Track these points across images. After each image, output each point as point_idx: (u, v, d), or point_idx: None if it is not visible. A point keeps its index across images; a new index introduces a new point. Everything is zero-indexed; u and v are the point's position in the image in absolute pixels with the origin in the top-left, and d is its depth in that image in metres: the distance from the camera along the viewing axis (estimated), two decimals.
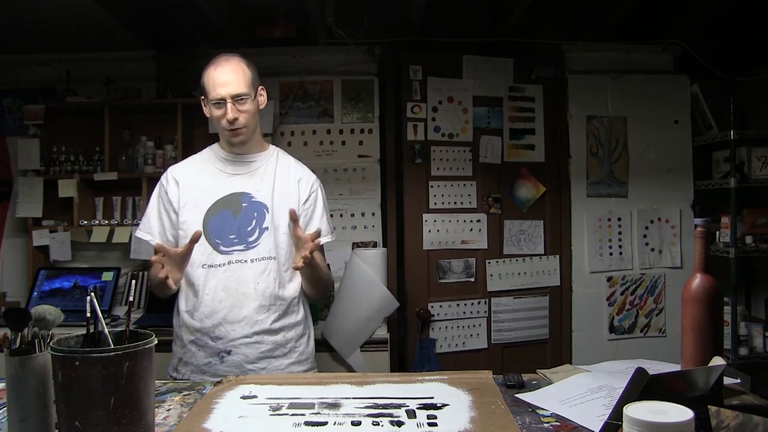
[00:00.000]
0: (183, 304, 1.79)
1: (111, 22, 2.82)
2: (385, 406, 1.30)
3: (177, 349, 1.81)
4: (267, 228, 1.77)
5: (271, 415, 1.26)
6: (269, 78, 3.17)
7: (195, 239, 1.62)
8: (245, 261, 1.75)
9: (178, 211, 1.79)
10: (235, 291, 1.74)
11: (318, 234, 1.66)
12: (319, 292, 1.91)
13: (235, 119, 1.72)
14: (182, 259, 1.66)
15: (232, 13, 2.99)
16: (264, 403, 1.33)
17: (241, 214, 1.76)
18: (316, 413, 1.26)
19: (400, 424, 1.20)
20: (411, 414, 1.25)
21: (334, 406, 1.31)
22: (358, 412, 1.26)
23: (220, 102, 1.71)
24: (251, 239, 1.76)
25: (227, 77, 1.71)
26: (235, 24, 3.07)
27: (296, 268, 1.67)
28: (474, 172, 3.30)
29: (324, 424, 1.20)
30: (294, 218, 1.67)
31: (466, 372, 1.54)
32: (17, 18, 2.79)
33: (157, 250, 1.60)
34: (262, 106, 1.82)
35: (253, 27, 3.18)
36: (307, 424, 1.20)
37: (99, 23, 2.83)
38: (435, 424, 1.19)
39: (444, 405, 1.30)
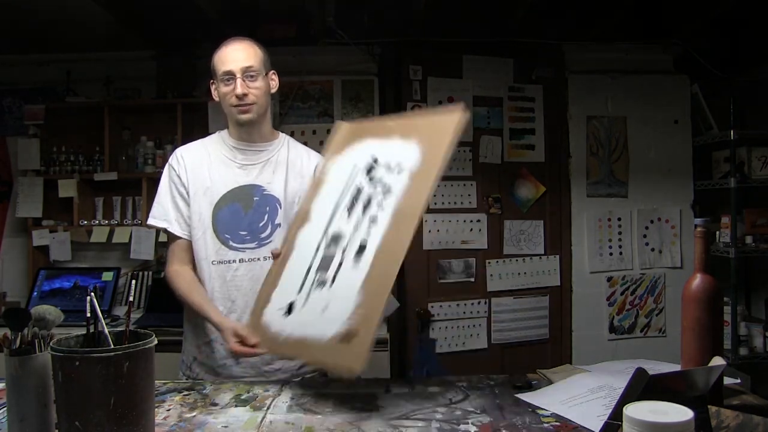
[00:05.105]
0: None
1: (111, 22, 2.83)
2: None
3: (191, 349, 1.74)
4: (279, 224, 1.69)
5: None
6: None
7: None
8: (258, 259, 1.68)
9: (189, 198, 1.70)
10: (249, 291, 1.66)
11: None
12: None
13: (245, 95, 1.64)
14: None
15: (233, 13, 3.00)
16: None
17: (252, 208, 1.69)
18: None
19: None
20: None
21: None
22: None
23: (229, 77, 1.64)
24: (263, 235, 1.69)
25: (237, 53, 1.65)
26: (236, 24, 3.06)
27: None
28: (474, 172, 3.30)
29: None
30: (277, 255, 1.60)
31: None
32: (17, 18, 2.79)
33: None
34: (273, 90, 1.74)
35: (253, 27, 3.17)
36: None
37: (99, 23, 2.84)
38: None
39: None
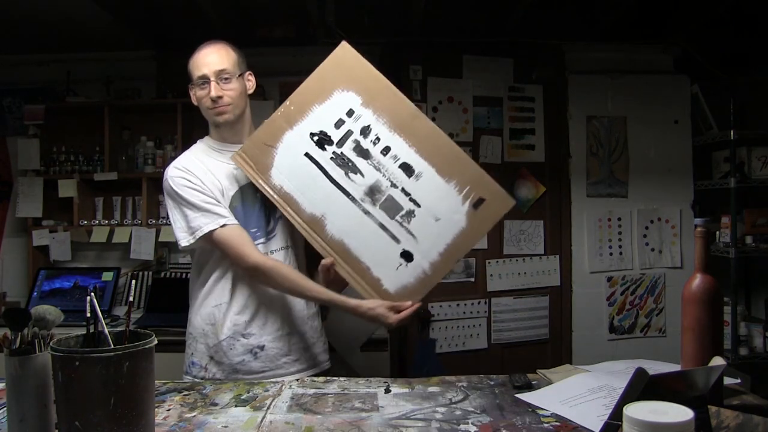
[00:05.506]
0: (213, 300, 1.71)
1: (111, 22, 2.83)
2: None
3: (205, 349, 1.72)
4: (281, 216, 1.71)
5: None
6: (269, 78, 3.17)
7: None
8: (266, 253, 1.69)
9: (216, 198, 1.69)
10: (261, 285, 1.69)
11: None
12: None
13: (219, 98, 1.64)
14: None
15: (233, 13, 3.00)
16: None
17: (258, 204, 1.71)
18: None
19: None
20: None
21: None
22: None
23: (204, 81, 1.65)
24: (269, 229, 1.72)
25: (210, 57, 1.66)
26: (236, 24, 3.07)
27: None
28: None
29: None
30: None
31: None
32: (17, 18, 2.79)
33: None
34: (250, 91, 1.74)
35: (253, 27, 3.18)
36: None
37: (99, 23, 2.84)
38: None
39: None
